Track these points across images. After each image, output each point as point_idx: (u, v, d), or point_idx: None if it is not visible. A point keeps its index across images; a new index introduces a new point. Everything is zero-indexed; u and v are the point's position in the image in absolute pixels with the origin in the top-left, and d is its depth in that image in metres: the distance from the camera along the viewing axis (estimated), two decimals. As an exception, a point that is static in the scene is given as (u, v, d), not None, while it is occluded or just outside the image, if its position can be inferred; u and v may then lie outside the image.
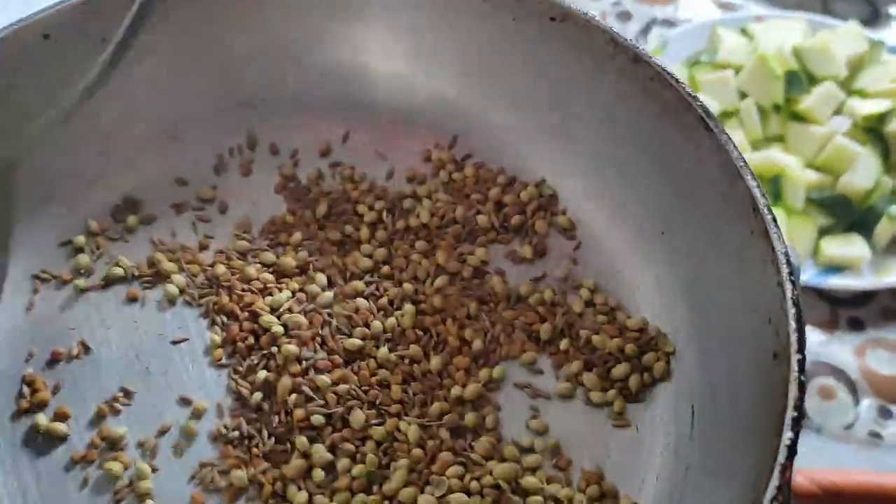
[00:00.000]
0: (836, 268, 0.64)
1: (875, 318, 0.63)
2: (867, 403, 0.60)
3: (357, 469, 0.38)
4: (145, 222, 0.47)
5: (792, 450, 0.30)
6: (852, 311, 0.64)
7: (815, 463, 0.55)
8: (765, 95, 0.68)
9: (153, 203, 0.47)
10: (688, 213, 0.42)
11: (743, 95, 0.69)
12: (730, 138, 0.38)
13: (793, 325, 0.33)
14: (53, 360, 0.42)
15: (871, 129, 0.67)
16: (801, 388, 0.31)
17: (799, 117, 0.68)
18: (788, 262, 0.34)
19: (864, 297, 0.64)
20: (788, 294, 0.33)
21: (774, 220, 0.35)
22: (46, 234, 0.45)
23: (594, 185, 0.46)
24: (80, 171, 0.46)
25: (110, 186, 0.47)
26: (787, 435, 0.30)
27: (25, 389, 0.41)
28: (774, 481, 0.29)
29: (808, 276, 0.63)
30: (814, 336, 0.63)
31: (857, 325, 0.63)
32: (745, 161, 0.37)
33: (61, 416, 0.40)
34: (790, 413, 0.31)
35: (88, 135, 0.46)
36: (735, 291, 0.38)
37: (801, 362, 0.32)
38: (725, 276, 0.39)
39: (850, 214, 0.65)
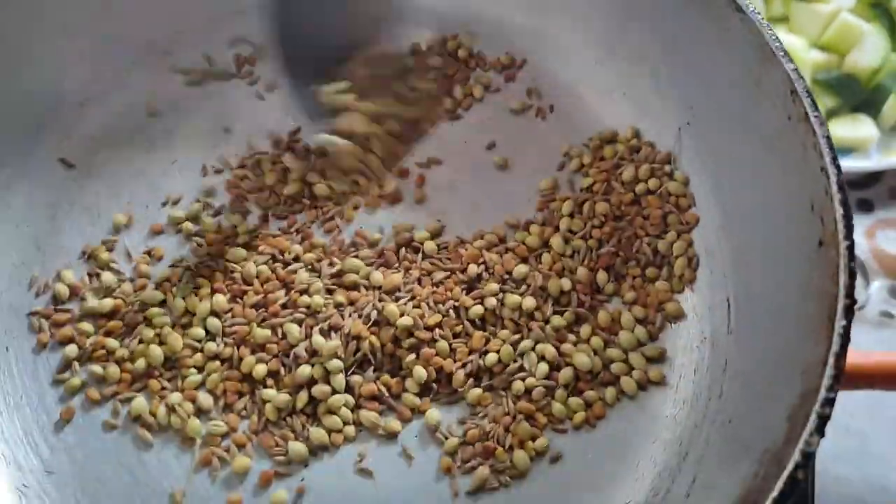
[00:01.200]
0: (843, 149, 0.63)
1: (883, 199, 0.63)
2: (878, 284, 0.60)
3: None
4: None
5: (845, 338, 0.30)
6: (861, 192, 0.63)
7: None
8: (768, -26, 0.66)
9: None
10: (715, 103, 0.40)
11: (745, -25, 0.67)
12: (763, 19, 0.36)
13: (840, 210, 0.32)
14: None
15: (878, 5, 0.65)
16: (852, 274, 0.31)
17: (803, -5, 0.66)
18: (831, 147, 0.33)
19: (871, 178, 0.63)
20: (833, 179, 0.32)
21: (814, 103, 0.34)
22: (47, 156, 0.43)
23: (614, 78, 0.44)
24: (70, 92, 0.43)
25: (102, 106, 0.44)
26: (841, 323, 0.30)
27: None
28: (830, 370, 0.29)
29: (815, 159, 0.62)
30: (822, 220, 0.62)
31: (866, 207, 0.62)
32: (780, 42, 0.35)
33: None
34: (842, 301, 0.30)
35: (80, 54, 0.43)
36: (770, 182, 0.37)
37: (850, 248, 0.31)
38: (758, 167, 0.37)
39: (856, 95, 0.63)
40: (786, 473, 0.27)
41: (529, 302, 0.39)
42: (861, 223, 0.62)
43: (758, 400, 0.33)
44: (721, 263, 0.39)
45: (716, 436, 0.35)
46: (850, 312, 0.30)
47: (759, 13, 0.36)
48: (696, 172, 0.41)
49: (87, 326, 0.39)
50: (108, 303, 0.40)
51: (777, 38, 0.36)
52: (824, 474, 0.52)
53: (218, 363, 0.38)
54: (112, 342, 0.39)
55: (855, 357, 0.50)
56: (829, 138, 0.33)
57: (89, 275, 0.41)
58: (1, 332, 0.39)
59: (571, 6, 0.45)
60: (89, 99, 0.44)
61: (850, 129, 0.63)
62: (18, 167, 0.42)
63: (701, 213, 0.41)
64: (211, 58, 0.46)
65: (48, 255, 0.41)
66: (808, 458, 0.28)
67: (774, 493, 0.27)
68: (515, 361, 0.38)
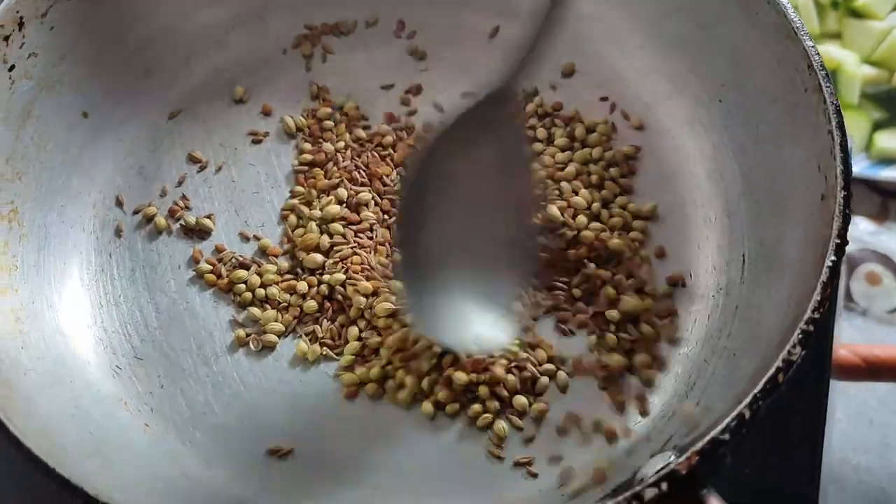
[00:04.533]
0: (888, 160, 0.65)
1: (927, 209, 0.65)
2: (917, 287, 0.62)
3: None
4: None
5: (834, 271, 0.33)
6: (907, 203, 0.66)
7: (860, 342, 0.58)
8: (823, -8, 0.69)
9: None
10: (744, 80, 0.44)
11: (801, -8, 0.71)
12: (788, 4, 0.41)
13: (840, 166, 0.36)
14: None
15: (930, 24, 0.68)
16: (846, 219, 0.34)
17: (857, 13, 0.69)
18: (838, 113, 0.37)
19: (917, 189, 0.66)
20: (837, 140, 0.36)
21: (827, 76, 0.38)
22: (153, 100, 0.50)
23: (656, 62, 0.49)
24: (178, 47, 0.50)
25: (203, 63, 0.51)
26: (830, 258, 0.33)
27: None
28: (816, 296, 0.33)
29: (860, 167, 0.65)
30: (864, 226, 0.65)
31: (911, 216, 0.65)
32: (802, 24, 0.39)
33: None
34: (833, 240, 0.34)
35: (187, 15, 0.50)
36: (786, 146, 0.41)
37: (847, 198, 0.35)
38: (778, 135, 0.41)
39: (904, 108, 0.66)
40: (768, 374, 0.31)
41: None
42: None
43: (758, 333, 0.37)
44: (740, 224, 0.43)
45: (720, 368, 0.39)
46: (840, 251, 0.34)
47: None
48: (722, 144, 0.46)
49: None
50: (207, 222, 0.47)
51: (799, 19, 0.40)
52: (845, 463, 0.55)
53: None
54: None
55: (879, 351, 0.53)
56: (837, 105, 0.37)
57: (183, 197, 0.47)
58: (105, 241, 0.46)
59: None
60: (194, 53, 0.50)
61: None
62: (130, 107, 0.48)
63: (725, 181, 0.45)
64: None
65: (148, 182, 0.48)
66: (790, 365, 0.32)
67: (756, 390, 0.31)
68: None
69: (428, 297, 0.40)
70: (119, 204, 0.47)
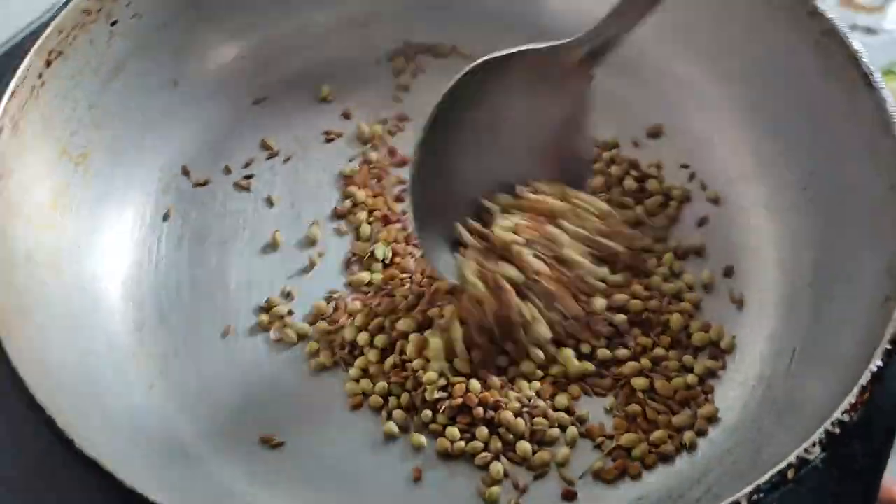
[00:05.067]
0: None
1: None
2: None
3: None
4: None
5: (877, 377, 0.31)
6: None
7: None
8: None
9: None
10: (834, 171, 0.42)
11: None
12: (889, 97, 0.39)
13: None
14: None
15: None
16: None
17: None
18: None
19: None
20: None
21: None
22: (237, 89, 0.51)
23: (747, 138, 0.47)
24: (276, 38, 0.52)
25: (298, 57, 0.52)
26: (876, 362, 0.31)
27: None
28: (850, 398, 0.30)
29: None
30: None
31: None
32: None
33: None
34: (884, 345, 0.31)
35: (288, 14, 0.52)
36: (864, 247, 0.38)
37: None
38: (857, 230, 0.39)
39: None
40: (777, 468, 0.29)
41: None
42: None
43: (788, 430, 0.35)
44: (798, 317, 0.41)
45: (743, 459, 0.36)
46: (889, 356, 0.31)
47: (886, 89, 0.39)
48: (799, 232, 0.43)
49: None
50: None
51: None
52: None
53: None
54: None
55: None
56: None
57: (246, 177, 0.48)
58: (162, 206, 0.47)
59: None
60: (291, 47, 0.51)
61: None
62: (219, 85, 0.50)
63: (793, 269, 0.43)
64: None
65: (217, 157, 0.49)
66: (803, 463, 0.29)
67: (761, 481, 0.29)
68: None
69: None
70: (185, 173, 0.48)
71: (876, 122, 0.39)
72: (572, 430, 0.40)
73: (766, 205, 0.45)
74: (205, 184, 0.48)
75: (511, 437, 0.39)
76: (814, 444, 0.29)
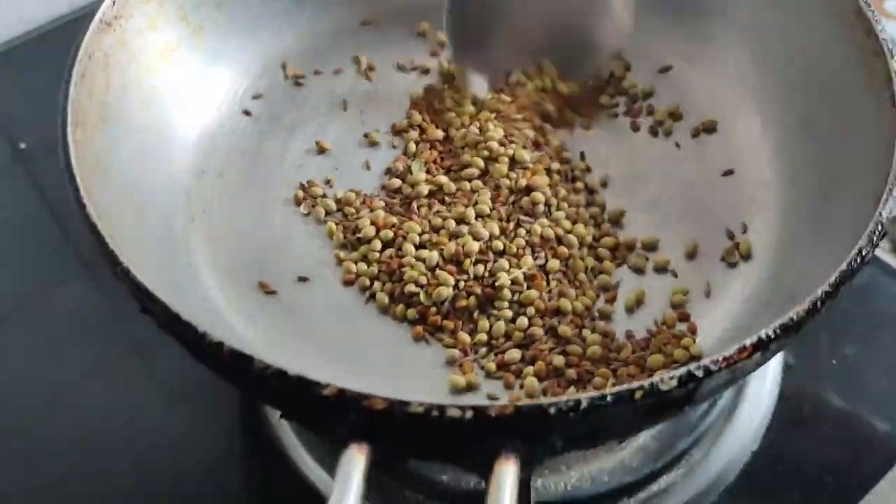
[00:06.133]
0: None
1: None
2: None
3: None
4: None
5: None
6: None
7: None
8: None
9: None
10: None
11: None
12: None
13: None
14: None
15: None
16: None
17: None
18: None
19: None
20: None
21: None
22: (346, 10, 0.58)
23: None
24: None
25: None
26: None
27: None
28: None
29: None
30: None
31: None
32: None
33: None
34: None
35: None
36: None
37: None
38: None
39: None
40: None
41: None
42: None
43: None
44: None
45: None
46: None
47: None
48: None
49: None
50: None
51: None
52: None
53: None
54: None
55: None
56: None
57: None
58: (261, 88, 0.54)
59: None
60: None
61: None
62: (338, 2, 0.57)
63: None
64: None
65: (315, 59, 0.56)
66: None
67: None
68: None
69: None
70: (283, 66, 0.55)
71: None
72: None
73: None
74: (297, 78, 0.55)
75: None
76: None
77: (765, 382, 0.49)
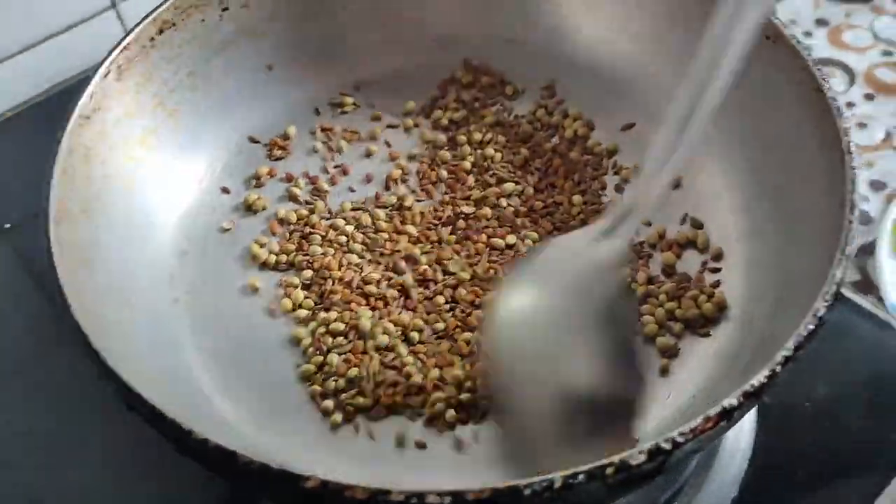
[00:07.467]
0: None
1: None
2: None
3: None
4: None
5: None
6: None
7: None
8: None
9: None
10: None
11: None
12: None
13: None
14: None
15: None
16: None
17: None
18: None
19: None
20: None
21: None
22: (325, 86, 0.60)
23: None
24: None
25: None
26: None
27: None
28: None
29: None
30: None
31: None
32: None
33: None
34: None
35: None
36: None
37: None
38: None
39: None
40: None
41: None
42: None
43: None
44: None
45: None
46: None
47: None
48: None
49: None
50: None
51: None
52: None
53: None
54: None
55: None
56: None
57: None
58: (239, 163, 0.56)
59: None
60: (389, 50, 0.60)
61: None
62: (310, 78, 0.59)
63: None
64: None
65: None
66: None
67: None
68: None
69: None
70: (254, 141, 0.57)
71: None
72: None
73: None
74: (274, 149, 0.57)
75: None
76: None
77: (741, 431, 0.50)
